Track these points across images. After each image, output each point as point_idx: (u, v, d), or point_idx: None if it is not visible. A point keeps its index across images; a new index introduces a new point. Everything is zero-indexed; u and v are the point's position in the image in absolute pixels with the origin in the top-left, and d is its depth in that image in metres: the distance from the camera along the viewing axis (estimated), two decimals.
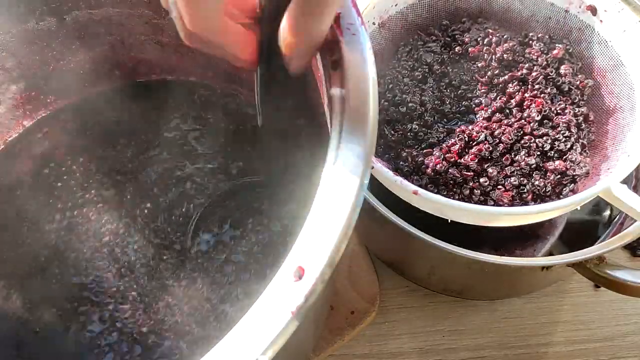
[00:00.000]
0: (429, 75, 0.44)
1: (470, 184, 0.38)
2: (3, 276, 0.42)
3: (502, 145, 0.39)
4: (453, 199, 0.38)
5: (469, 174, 0.38)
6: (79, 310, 0.41)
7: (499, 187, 0.38)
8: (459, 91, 0.43)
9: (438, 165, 0.39)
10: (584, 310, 0.52)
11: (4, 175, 0.46)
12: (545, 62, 0.41)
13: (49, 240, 0.44)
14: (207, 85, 0.50)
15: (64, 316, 0.41)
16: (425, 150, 0.40)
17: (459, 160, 0.39)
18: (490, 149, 0.39)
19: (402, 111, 0.42)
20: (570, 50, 0.42)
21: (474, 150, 0.39)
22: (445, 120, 0.42)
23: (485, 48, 0.43)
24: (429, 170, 0.39)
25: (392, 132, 0.42)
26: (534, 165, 0.38)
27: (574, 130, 0.39)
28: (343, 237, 0.20)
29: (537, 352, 0.50)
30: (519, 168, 0.38)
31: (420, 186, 0.37)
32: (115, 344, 0.40)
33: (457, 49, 0.44)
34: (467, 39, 0.44)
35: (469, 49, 0.43)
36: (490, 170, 0.38)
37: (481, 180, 0.38)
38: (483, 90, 0.42)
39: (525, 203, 0.38)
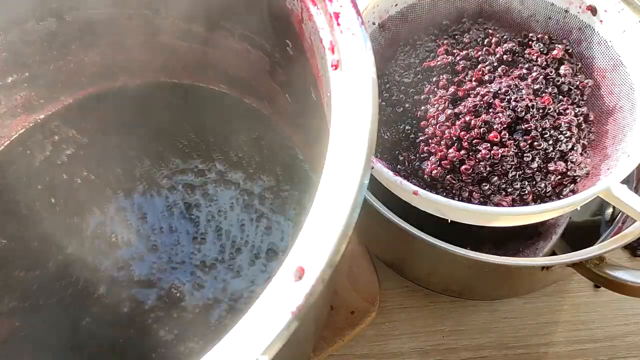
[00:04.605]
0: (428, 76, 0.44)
1: (470, 187, 0.38)
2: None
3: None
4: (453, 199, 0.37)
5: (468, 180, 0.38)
6: None
7: (500, 192, 0.38)
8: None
9: (434, 172, 0.38)
10: (584, 310, 0.52)
11: (4, 176, 0.46)
12: (545, 63, 0.41)
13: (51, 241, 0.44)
14: (206, 87, 0.50)
15: None
16: (422, 156, 0.40)
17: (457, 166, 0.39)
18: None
19: (398, 112, 0.42)
20: (570, 51, 0.42)
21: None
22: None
23: (485, 48, 0.43)
24: (425, 176, 0.39)
25: (390, 133, 0.42)
26: (536, 169, 0.38)
27: (574, 130, 0.39)
28: (343, 237, 0.20)
29: (537, 352, 0.50)
30: (521, 172, 0.38)
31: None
32: None
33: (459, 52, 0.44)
34: (467, 39, 0.44)
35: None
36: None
37: (481, 184, 0.38)
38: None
39: (526, 203, 0.38)
